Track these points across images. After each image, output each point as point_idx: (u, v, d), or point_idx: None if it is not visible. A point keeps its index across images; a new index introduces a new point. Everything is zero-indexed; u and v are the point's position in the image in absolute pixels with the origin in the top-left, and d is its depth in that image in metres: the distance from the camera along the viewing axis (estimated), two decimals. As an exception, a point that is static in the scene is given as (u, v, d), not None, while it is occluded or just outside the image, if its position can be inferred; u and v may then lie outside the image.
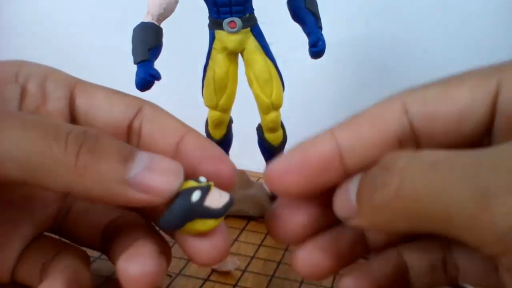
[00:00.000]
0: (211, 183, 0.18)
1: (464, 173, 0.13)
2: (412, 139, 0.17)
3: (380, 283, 0.19)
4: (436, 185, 0.14)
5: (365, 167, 0.17)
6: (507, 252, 0.13)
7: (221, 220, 0.19)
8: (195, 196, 0.18)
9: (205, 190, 0.18)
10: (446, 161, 0.14)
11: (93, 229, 0.22)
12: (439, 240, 0.19)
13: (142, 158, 0.17)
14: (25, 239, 0.21)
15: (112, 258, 0.21)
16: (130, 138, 0.22)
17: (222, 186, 0.19)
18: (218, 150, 0.21)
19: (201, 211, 0.18)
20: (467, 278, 0.19)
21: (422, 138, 0.17)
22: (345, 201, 0.17)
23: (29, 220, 0.21)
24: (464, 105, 0.16)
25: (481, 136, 0.17)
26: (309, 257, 0.19)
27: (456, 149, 0.16)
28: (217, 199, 0.18)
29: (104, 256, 0.23)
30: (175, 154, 0.21)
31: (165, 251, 0.20)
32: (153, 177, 0.17)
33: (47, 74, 0.22)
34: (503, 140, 0.16)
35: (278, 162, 0.18)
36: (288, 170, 0.18)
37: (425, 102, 0.17)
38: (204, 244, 0.19)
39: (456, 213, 0.13)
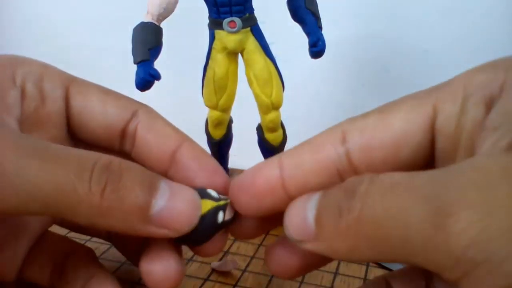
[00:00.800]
0: (228, 201, 0.20)
1: (419, 194, 0.13)
2: (350, 169, 0.17)
3: None
4: (394, 208, 0.13)
5: (308, 191, 0.17)
6: (466, 275, 0.12)
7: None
8: (220, 217, 0.19)
9: (225, 209, 0.20)
10: (402, 183, 0.14)
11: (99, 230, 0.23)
12: (420, 269, 0.19)
13: (163, 192, 0.18)
14: (33, 236, 0.21)
15: (120, 247, 0.22)
16: (124, 141, 0.22)
17: None
18: (213, 162, 0.22)
19: (223, 226, 0.20)
20: None
21: (360, 168, 0.17)
22: (300, 223, 0.16)
23: (36, 219, 0.21)
24: (399, 130, 0.16)
25: (423, 161, 0.17)
26: (278, 256, 0.19)
27: None
28: (229, 211, 0.20)
29: (130, 262, 0.23)
30: (171, 163, 0.21)
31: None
32: (173, 215, 0.18)
33: (43, 72, 0.22)
34: (447, 160, 0.16)
35: (237, 179, 0.19)
36: (242, 190, 0.19)
37: (362, 131, 0.17)
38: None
39: (413, 237, 0.13)
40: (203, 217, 0.19)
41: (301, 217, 0.16)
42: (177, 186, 0.18)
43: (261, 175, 0.18)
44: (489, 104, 0.15)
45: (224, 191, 0.21)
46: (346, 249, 0.15)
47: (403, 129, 0.16)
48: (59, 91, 0.22)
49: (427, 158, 0.17)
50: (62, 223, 0.24)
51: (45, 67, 0.22)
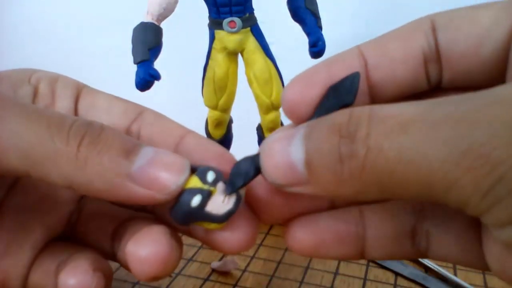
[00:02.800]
0: (212, 188, 0.17)
1: (440, 134, 0.12)
2: (436, 60, 0.17)
3: (326, 239, 0.18)
4: (410, 150, 0.12)
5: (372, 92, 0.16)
6: (489, 209, 0.12)
7: (223, 224, 0.18)
8: (195, 201, 0.17)
9: (206, 196, 0.17)
10: (416, 121, 0.13)
11: (103, 233, 0.22)
12: (410, 205, 0.18)
13: (146, 152, 0.17)
14: (36, 245, 0.20)
15: (121, 259, 0.21)
16: None
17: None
18: (219, 147, 0.21)
19: (202, 216, 0.17)
20: (438, 252, 0.17)
21: (444, 60, 0.16)
22: (285, 167, 0.15)
23: (41, 225, 0.21)
24: (486, 26, 0.16)
25: (497, 64, 0.16)
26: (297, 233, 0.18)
27: (465, 80, 0.16)
28: (219, 204, 0.17)
29: None
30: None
31: (176, 237, 0.19)
32: (158, 172, 0.17)
33: (57, 77, 0.23)
34: None
35: (302, 75, 0.17)
36: (312, 83, 0.17)
37: (451, 20, 0.16)
38: (224, 237, 0.18)
39: (435, 178, 0.12)
40: (183, 192, 0.17)
41: (285, 160, 0.15)
42: (162, 149, 0.17)
43: (341, 66, 0.17)
44: None
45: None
46: (350, 193, 0.14)
47: (489, 26, 0.16)
48: (70, 92, 0.22)
49: (501, 64, 0.16)
50: (67, 238, 0.23)
51: (61, 75, 0.23)
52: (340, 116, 0.14)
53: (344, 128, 0.14)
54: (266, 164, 0.16)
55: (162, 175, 0.17)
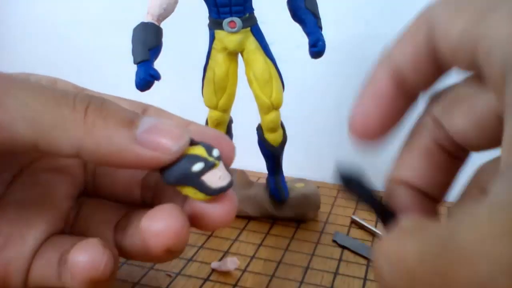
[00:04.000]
0: (217, 162, 0.19)
1: None
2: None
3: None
4: None
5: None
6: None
7: (210, 198, 0.19)
8: (197, 167, 0.18)
9: (209, 166, 0.18)
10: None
11: (105, 227, 0.23)
12: None
13: (148, 119, 0.18)
14: (38, 237, 0.21)
15: (126, 248, 0.22)
16: None
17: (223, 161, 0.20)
18: (217, 131, 0.22)
19: (196, 183, 0.18)
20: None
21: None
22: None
23: (41, 219, 0.21)
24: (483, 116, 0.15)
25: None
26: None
27: None
28: (215, 179, 0.19)
29: (130, 262, 0.23)
30: None
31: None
32: (161, 134, 0.18)
33: (56, 80, 0.23)
34: None
35: (355, 113, 0.17)
36: (367, 113, 0.17)
37: (451, 109, 0.16)
38: (209, 209, 0.19)
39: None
40: (185, 156, 0.18)
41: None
42: (162, 118, 0.19)
43: (380, 85, 0.17)
44: None
45: (230, 156, 0.21)
46: None
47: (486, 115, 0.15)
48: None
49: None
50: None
51: (58, 78, 0.23)
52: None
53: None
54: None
55: (166, 136, 0.18)
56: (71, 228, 0.23)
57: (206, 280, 0.29)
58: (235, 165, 0.22)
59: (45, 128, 0.17)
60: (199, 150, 0.19)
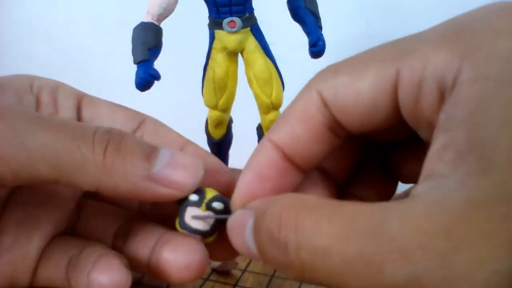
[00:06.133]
0: (203, 206, 0.19)
1: (358, 260, 0.13)
2: (339, 126, 0.17)
3: None
4: (336, 269, 0.13)
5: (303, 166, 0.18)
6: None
7: (182, 231, 0.20)
8: (192, 197, 0.20)
9: (196, 203, 0.19)
10: (335, 247, 0.13)
11: (105, 232, 0.23)
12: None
13: (164, 154, 0.19)
14: (44, 237, 0.21)
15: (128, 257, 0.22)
16: None
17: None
18: (217, 161, 0.23)
19: (181, 211, 0.20)
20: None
21: (345, 125, 0.17)
22: (244, 249, 0.17)
23: (47, 220, 0.21)
24: (368, 100, 0.16)
25: (397, 122, 0.16)
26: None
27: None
28: (190, 217, 0.20)
29: None
30: None
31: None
32: (176, 172, 0.19)
33: (57, 85, 0.23)
34: (413, 126, 0.16)
35: (238, 193, 0.18)
36: (250, 193, 0.18)
37: (336, 96, 0.17)
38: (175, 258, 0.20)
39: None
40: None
41: (243, 244, 0.17)
42: (177, 150, 0.19)
43: (262, 165, 0.18)
44: (443, 95, 0.14)
45: (228, 189, 0.21)
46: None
47: (372, 96, 0.16)
48: (72, 101, 0.23)
49: (400, 120, 0.16)
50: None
51: (60, 82, 0.24)
52: (271, 222, 0.15)
53: (276, 238, 0.15)
54: (232, 241, 0.17)
55: (180, 175, 0.19)
56: (72, 229, 0.23)
57: (206, 280, 0.29)
58: (235, 165, 0.22)
59: (66, 169, 0.18)
60: (210, 191, 0.20)
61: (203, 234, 0.20)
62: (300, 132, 0.18)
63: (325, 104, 0.17)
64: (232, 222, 0.17)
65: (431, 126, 0.15)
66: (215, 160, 0.23)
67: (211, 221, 0.20)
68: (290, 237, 0.14)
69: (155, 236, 0.21)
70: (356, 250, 0.13)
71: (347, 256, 0.13)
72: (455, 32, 0.15)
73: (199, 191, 0.19)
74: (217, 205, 0.20)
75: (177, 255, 0.20)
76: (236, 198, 0.18)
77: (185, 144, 0.23)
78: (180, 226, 0.20)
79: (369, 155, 0.20)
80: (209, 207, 0.19)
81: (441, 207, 0.12)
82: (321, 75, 0.18)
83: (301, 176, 0.18)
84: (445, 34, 0.15)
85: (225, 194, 0.20)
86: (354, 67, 0.17)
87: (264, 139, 0.18)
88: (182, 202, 0.20)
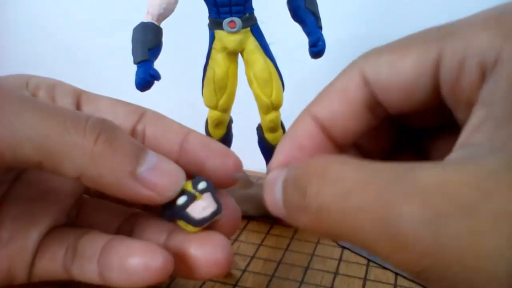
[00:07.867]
0: (198, 194, 0.20)
1: (375, 213, 0.13)
2: (378, 105, 0.18)
3: None
4: (351, 216, 0.13)
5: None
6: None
7: (199, 229, 0.20)
8: (180, 200, 0.20)
9: (190, 199, 0.20)
10: (356, 189, 0.13)
11: (107, 227, 0.23)
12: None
13: (151, 157, 0.19)
14: (41, 232, 0.21)
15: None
16: None
17: (227, 182, 0.21)
18: (221, 145, 0.22)
19: (183, 215, 0.20)
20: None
21: (385, 104, 0.17)
22: (273, 202, 0.17)
23: (45, 215, 0.21)
24: (411, 76, 0.16)
25: (436, 102, 0.17)
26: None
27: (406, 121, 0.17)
28: (198, 210, 0.20)
29: None
30: (180, 152, 0.22)
31: None
32: (160, 177, 0.19)
33: (54, 83, 0.23)
34: (452, 107, 0.16)
35: (275, 158, 0.19)
36: (287, 159, 0.18)
37: (378, 73, 0.17)
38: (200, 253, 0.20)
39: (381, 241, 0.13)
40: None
41: (273, 200, 0.17)
42: (163, 156, 0.19)
43: (301, 134, 0.18)
44: (484, 74, 0.15)
45: (236, 170, 0.22)
46: (315, 235, 0.15)
47: (414, 74, 0.16)
48: (70, 99, 0.23)
49: (438, 103, 0.17)
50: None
51: (57, 80, 0.23)
52: (298, 170, 0.15)
53: (299, 183, 0.15)
54: (264, 198, 0.17)
55: (164, 180, 0.19)
56: (72, 224, 0.23)
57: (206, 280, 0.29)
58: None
59: (51, 152, 0.17)
60: (186, 185, 0.20)
61: (218, 212, 0.20)
62: (339, 107, 0.18)
63: (366, 82, 0.17)
64: (266, 180, 0.17)
65: (470, 105, 0.15)
66: (220, 145, 0.23)
67: (210, 197, 0.20)
68: (312, 182, 0.14)
69: (164, 231, 0.21)
70: (376, 192, 0.13)
71: (366, 198, 0.13)
72: (497, 17, 0.15)
73: (181, 192, 0.20)
74: (202, 185, 0.20)
75: (205, 251, 0.20)
76: (273, 162, 0.18)
77: (188, 133, 0.22)
78: (195, 224, 0.20)
79: (402, 139, 0.20)
80: (201, 191, 0.20)
81: (473, 163, 0.12)
82: (365, 56, 0.18)
83: (337, 152, 0.18)
84: (488, 18, 0.15)
85: (236, 169, 0.21)
86: (397, 48, 0.17)
87: (304, 111, 0.19)
88: (171, 208, 0.20)
